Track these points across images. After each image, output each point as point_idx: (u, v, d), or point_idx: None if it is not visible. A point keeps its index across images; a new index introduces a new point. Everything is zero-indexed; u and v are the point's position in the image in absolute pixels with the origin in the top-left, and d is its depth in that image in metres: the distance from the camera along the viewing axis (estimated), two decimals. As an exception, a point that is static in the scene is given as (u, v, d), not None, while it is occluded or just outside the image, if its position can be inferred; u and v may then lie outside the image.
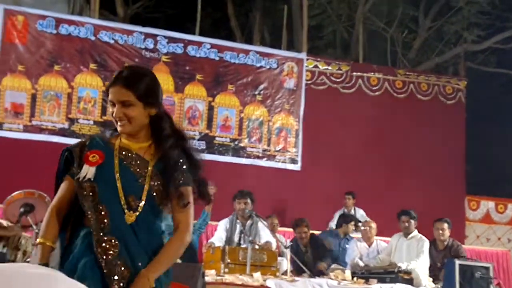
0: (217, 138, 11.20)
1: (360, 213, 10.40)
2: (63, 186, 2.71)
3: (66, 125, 10.34)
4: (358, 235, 9.50)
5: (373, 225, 8.91)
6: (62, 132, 10.24)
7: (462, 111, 12.86)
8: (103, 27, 10.75)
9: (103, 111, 10.47)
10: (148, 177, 2.66)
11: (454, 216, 9.31)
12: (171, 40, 11.06)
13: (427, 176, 11.87)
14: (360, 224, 9.60)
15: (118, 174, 2.64)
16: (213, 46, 11.33)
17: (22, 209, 6.15)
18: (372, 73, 12.36)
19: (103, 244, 2.54)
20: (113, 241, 2.56)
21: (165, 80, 10.92)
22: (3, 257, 5.83)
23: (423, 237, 8.19)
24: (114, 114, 2.67)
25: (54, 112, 10.33)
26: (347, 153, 11.62)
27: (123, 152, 2.70)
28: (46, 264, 2.57)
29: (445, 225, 8.45)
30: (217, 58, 11.31)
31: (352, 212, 10.36)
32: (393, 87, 12.41)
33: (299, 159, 11.60)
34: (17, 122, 10.16)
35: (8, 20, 10.19)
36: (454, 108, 12.71)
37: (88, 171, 2.63)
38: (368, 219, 9.70)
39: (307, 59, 11.97)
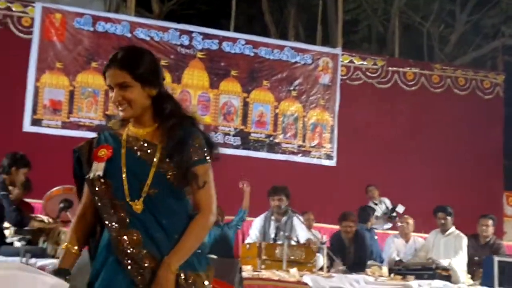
0: (252, 134, 11.20)
1: (386, 203, 10.39)
2: (85, 190, 2.66)
3: (103, 122, 10.44)
4: (389, 225, 9.58)
5: (411, 221, 8.83)
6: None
7: (500, 106, 12.67)
8: (139, 24, 10.83)
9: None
10: (156, 160, 2.53)
11: (492, 212, 9.17)
12: (206, 36, 11.09)
13: (465, 171, 11.75)
14: (394, 214, 9.65)
15: (124, 166, 2.54)
16: (248, 42, 11.33)
17: (61, 205, 6.20)
18: (408, 68, 12.25)
19: (125, 238, 2.46)
20: (135, 234, 2.48)
21: (201, 76, 10.99)
22: (44, 252, 5.92)
23: (461, 234, 8.08)
24: (113, 99, 2.56)
25: (91, 108, 10.46)
26: (383, 148, 11.55)
27: (131, 141, 2.59)
28: (65, 270, 2.55)
29: (490, 222, 8.35)
30: (252, 54, 11.31)
31: (378, 202, 10.34)
32: (430, 82, 12.29)
33: (334, 154, 11.55)
34: (55, 118, 10.29)
35: (46, 18, 10.32)
36: (492, 103, 12.54)
37: (97, 167, 2.56)
38: (401, 209, 9.72)
39: (342, 54, 11.90)
